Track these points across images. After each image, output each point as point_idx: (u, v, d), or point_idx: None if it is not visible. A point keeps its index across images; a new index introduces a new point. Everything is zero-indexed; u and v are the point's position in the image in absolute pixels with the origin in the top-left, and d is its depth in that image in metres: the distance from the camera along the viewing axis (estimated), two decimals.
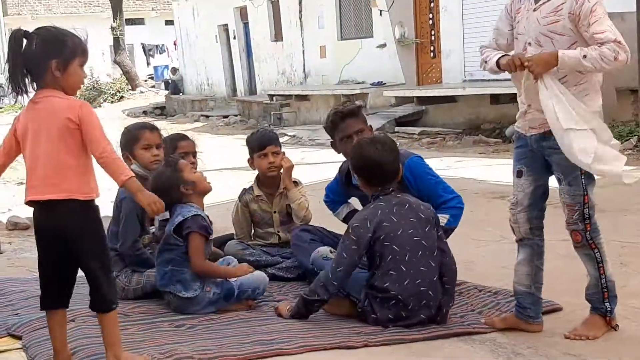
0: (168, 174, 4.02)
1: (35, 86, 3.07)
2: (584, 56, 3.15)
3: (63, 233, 3.03)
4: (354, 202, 4.51)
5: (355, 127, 4.18)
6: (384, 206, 3.60)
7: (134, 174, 3.04)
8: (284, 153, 4.73)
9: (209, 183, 4.17)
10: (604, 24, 3.20)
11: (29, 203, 3.12)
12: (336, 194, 4.57)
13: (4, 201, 9.08)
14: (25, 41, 3.02)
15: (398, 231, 3.54)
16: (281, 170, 4.64)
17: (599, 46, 3.15)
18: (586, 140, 3.20)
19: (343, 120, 4.22)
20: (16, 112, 36.44)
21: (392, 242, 3.52)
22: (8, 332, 3.72)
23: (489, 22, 13.40)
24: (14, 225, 6.52)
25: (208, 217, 4.10)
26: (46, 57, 3.00)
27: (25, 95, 3.09)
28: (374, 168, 3.64)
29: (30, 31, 3.06)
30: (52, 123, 2.98)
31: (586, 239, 3.41)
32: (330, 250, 4.13)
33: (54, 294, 3.18)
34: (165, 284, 3.99)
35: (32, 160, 3.08)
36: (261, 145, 4.66)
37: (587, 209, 3.37)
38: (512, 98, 12.14)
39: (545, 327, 3.54)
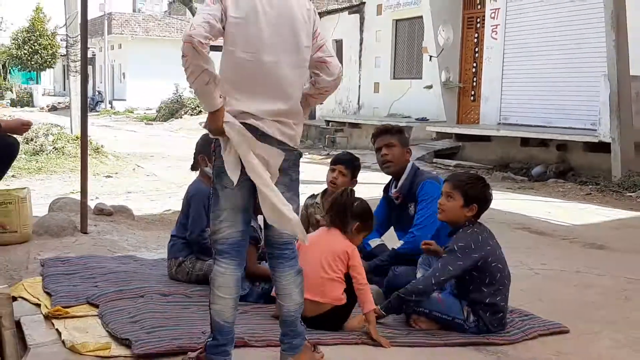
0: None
1: None
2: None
3: None
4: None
5: (385, 141, 4.33)
6: (480, 232, 3.59)
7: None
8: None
9: None
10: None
11: None
12: (380, 212, 4.45)
13: (94, 190, 9.29)
14: None
15: (497, 251, 3.58)
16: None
17: None
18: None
19: (379, 135, 4.38)
20: (110, 116, 36.79)
21: (497, 262, 3.54)
22: (87, 300, 3.80)
23: (526, 76, 13.40)
24: (100, 211, 6.64)
25: (260, 227, 4.11)
26: None
27: None
28: (488, 205, 3.69)
29: None
30: None
31: None
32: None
33: None
34: None
35: None
36: (334, 161, 4.68)
37: None
38: (540, 142, 12.06)
39: (552, 347, 3.48)
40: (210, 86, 2.69)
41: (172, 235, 4.50)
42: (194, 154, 4.48)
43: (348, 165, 4.59)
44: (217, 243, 2.90)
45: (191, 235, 4.29)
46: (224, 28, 2.75)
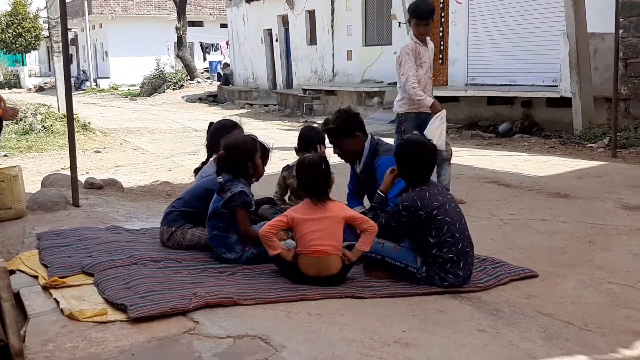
0: (247, 147, 4.07)
1: None
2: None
3: None
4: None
5: (332, 141, 4.55)
6: (428, 189, 3.60)
7: None
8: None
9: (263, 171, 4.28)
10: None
11: None
12: (354, 184, 4.69)
13: (84, 165, 9.19)
14: None
15: (446, 206, 3.55)
16: None
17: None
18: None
19: (328, 136, 4.58)
20: (95, 93, 36.42)
21: (445, 215, 3.52)
22: (82, 270, 3.77)
23: (490, 38, 13.34)
24: (90, 185, 6.58)
25: (252, 193, 4.11)
26: None
27: None
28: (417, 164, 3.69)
29: None
30: None
31: None
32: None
33: None
34: (214, 245, 4.02)
35: None
36: (302, 146, 4.77)
37: None
38: (506, 101, 12.09)
39: (522, 290, 3.53)
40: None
41: (172, 206, 4.49)
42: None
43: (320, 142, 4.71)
44: None
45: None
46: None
